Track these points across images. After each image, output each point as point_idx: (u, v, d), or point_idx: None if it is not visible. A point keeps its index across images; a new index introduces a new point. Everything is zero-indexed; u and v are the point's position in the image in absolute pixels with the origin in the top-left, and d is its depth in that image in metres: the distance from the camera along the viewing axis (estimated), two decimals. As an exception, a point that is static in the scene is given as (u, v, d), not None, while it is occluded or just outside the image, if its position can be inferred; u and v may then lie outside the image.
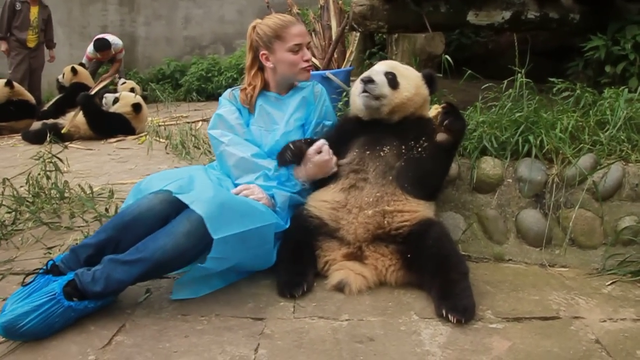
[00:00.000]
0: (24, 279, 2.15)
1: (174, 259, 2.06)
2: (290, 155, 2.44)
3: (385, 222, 2.30)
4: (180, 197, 2.10)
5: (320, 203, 2.42)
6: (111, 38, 8.48)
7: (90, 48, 8.35)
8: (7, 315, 1.84)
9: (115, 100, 6.14)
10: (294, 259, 2.30)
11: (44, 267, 2.10)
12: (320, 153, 2.42)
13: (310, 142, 2.49)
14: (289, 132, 2.58)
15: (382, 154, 2.41)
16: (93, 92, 6.32)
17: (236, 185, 2.44)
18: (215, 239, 2.00)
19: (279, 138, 2.56)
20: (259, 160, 2.48)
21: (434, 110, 2.50)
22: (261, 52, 2.59)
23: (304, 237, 2.35)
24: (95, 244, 2.12)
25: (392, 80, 2.45)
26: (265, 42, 2.56)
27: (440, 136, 2.40)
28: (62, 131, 5.78)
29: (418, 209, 2.34)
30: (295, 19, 2.67)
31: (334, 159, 2.45)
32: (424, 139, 2.42)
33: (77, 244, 2.30)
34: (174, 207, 2.14)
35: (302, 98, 2.67)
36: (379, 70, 2.49)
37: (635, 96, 3.04)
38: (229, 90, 2.73)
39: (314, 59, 3.73)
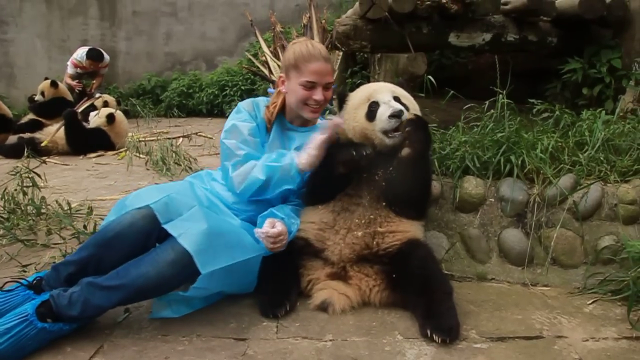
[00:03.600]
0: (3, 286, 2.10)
1: (156, 287, 2.02)
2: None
3: (375, 242, 2.29)
4: (167, 227, 2.03)
5: (307, 225, 2.39)
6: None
7: (80, 55, 8.14)
8: (-24, 339, 1.77)
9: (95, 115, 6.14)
10: (277, 278, 2.27)
11: (27, 280, 2.05)
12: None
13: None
14: None
15: (376, 177, 2.35)
16: (80, 110, 6.25)
17: (225, 204, 2.38)
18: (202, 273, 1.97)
19: None
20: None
21: None
22: (281, 74, 2.55)
23: (287, 256, 2.31)
24: (78, 261, 2.07)
25: (403, 104, 2.37)
26: (286, 66, 2.50)
27: (404, 151, 2.31)
28: (42, 144, 5.74)
29: (410, 229, 2.33)
30: (322, 54, 2.46)
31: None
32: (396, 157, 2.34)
33: (55, 262, 2.23)
34: (156, 224, 2.08)
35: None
36: (389, 98, 2.35)
37: (612, 118, 3.11)
38: (249, 101, 2.61)
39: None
